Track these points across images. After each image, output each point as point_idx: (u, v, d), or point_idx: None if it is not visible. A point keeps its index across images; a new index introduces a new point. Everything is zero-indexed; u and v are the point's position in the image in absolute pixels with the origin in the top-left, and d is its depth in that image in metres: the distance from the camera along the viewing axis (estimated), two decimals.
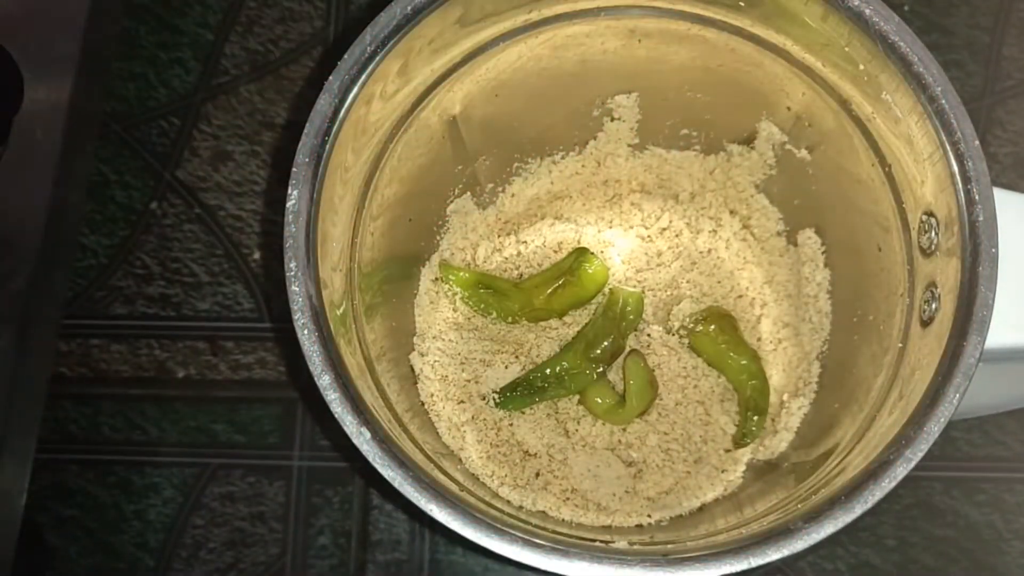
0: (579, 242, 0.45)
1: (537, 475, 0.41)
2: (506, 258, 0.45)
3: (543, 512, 0.39)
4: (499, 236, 0.45)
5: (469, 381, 0.42)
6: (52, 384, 0.48)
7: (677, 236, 0.44)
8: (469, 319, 0.44)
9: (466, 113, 0.39)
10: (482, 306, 0.43)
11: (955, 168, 0.31)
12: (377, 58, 0.33)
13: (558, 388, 0.41)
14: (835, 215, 0.41)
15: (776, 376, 0.42)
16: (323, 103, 0.32)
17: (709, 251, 0.44)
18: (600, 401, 0.41)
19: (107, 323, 0.49)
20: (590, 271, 0.42)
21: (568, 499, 0.40)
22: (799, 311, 0.42)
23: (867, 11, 0.32)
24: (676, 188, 0.45)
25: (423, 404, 0.41)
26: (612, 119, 0.43)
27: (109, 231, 0.50)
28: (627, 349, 0.42)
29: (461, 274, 0.43)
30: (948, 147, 0.31)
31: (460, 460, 0.40)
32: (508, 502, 0.39)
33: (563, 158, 0.44)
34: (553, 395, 0.42)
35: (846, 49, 0.33)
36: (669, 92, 0.41)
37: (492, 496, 0.39)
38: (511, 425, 0.42)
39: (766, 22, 0.35)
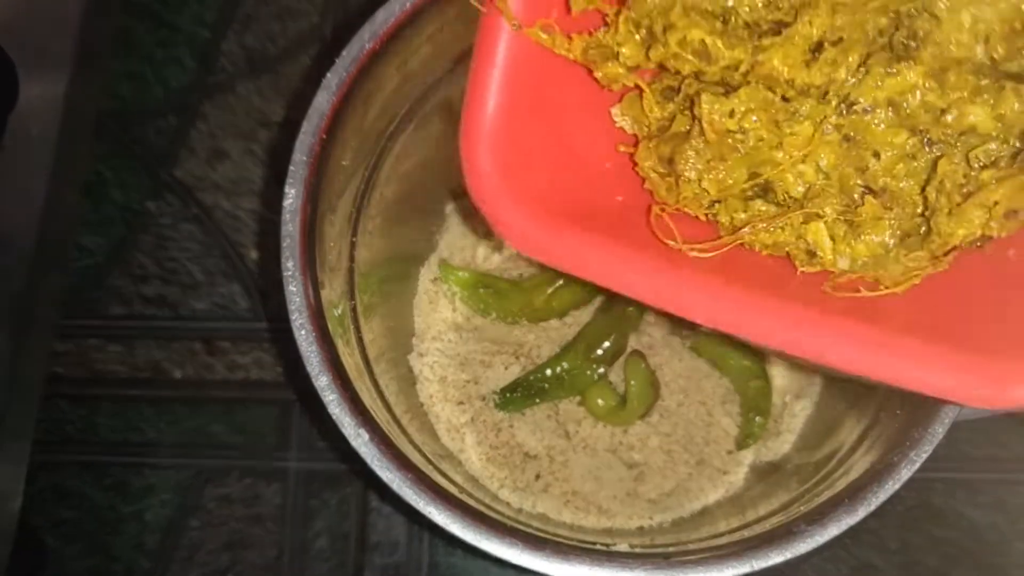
0: None
1: (537, 477, 0.40)
2: (506, 258, 0.45)
3: (544, 515, 0.39)
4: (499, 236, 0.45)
5: (469, 382, 0.42)
6: (48, 384, 0.48)
7: None
8: (469, 319, 0.43)
9: None
10: (482, 306, 0.43)
11: None
12: (375, 55, 0.32)
13: (558, 389, 0.41)
14: None
15: (779, 377, 0.42)
16: (321, 101, 0.32)
17: None
18: (601, 402, 0.41)
19: (104, 323, 0.49)
20: None
21: (569, 501, 0.40)
22: None
23: None
24: None
25: (422, 405, 0.41)
26: None
27: (106, 230, 0.50)
28: (628, 350, 0.42)
29: (461, 274, 0.43)
30: None
31: (460, 462, 0.40)
32: (508, 504, 0.39)
33: None
34: (553, 396, 0.41)
35: None
36: None
37: (492, 498, 0.39)
38: (511, 426, 0.41)
39: None
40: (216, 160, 0.50)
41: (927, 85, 0.24)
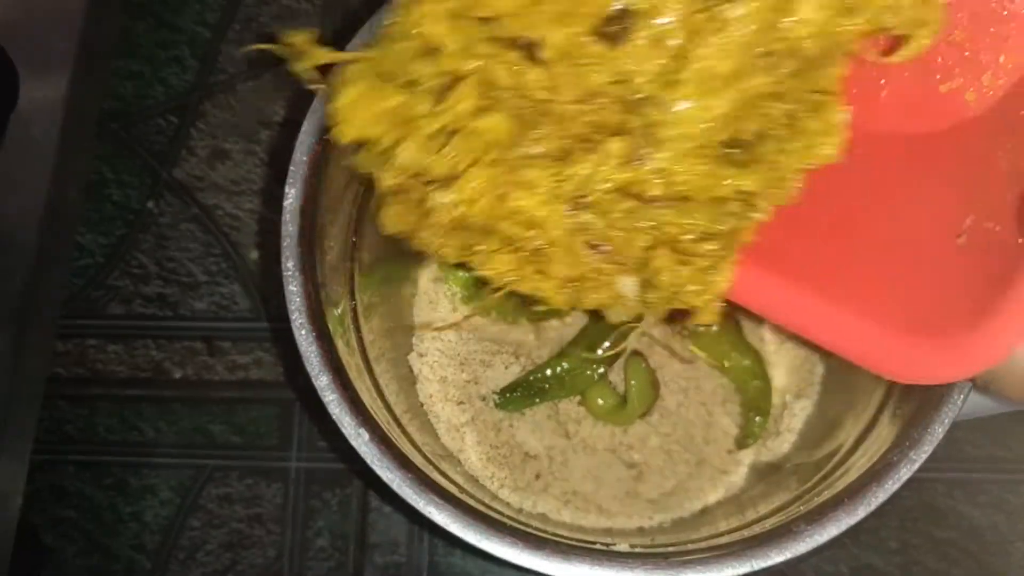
0: None
1: (537, 477, 0.40)
2: None
3: (543, 514, 0.39)
4: None
5: (469, 382, 0.42)
6: (49, 384, 0.48)
7: None
8: (469, 319, 0.43)
9: None
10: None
11: None
12: None
13: (558, 389, 0.41)
14: None
15: (779, 377, 0.42)
16: (321, 101, 0.32)
17: None
18: (601, 402, 0.41)
19: (104, 323, 0.49)
20: None
21: (569, 501, 0.40)
22: None
23: None
24: None
25: (422, 405, 0.41)
26: None
27: (106, 230, 0.50)
28: (628, 350, 0.42)
29: (461, 274, 0.43)
30: None
31: (459, 462, 0.40)
32: (508, 504, 0.39)
33: None
34: (553, 396, 0.41)
35: None
36: None
37: (492, 498, 0.39)
38: (511, 426, 0.41)
39: None
40: (216, 160, 0.50)
41: (657, 181, 0.24)
